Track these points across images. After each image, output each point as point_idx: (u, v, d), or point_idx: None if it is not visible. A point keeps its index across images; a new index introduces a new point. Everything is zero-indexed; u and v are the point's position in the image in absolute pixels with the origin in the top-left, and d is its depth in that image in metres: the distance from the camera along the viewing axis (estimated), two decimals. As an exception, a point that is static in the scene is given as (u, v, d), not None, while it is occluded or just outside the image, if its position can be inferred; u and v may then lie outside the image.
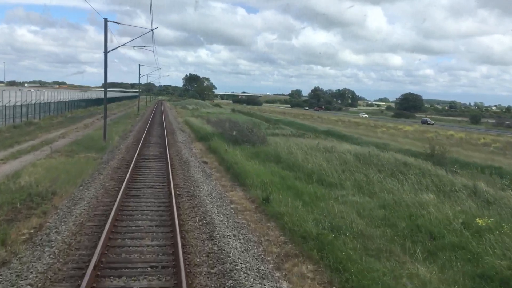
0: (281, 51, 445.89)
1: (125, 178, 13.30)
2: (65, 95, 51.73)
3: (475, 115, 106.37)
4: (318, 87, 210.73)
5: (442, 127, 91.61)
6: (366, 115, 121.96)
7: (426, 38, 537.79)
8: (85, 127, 34.53)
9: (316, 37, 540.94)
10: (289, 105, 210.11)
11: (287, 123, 76.27)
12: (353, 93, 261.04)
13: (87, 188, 12.42)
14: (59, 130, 30.74)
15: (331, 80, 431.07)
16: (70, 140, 24.33)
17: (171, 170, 14.96)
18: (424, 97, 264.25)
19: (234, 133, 24.95)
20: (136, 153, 18.91)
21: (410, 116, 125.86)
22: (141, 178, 14.29)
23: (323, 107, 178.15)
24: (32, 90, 46.61)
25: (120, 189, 11.84)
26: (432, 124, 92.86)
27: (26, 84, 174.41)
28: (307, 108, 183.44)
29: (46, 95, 42.26)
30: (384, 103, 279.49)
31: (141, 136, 27.71)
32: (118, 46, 32.73)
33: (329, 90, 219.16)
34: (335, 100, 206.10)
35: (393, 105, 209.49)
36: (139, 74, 55.54)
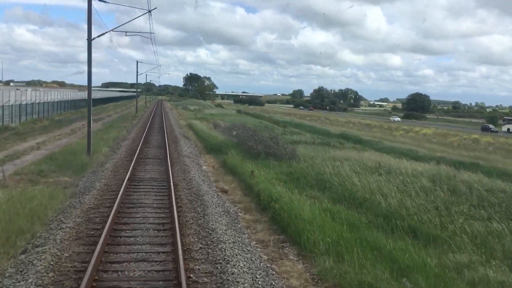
0: (280, 51, 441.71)
1: (100, 238, 7.80)
2: (54, 95, 46.22)
3: (492, 116, 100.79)
4: (322, 87, 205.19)
5: (460, 129, 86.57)
6: (398, 118, 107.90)
7: (425, 38, 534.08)
8: (71, 134, 29.11)
9: (315, 37, 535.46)
10: (291, 105, 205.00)
11: (295, 126, 70.89)
12: (355, 93, 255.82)
13: (24, 268, 6.84)
14: (38, 138, 25.31)
15: (330, 80, 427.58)
16: (45, 154, 18.90)
17: (178, 217, 9.39)
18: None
19: (258, 146, 19.51)
20: (127, 177, 13.47)
21: (420, 117, 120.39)
22: (128, 239, 8.36)
23: (312, 108, 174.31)
24: (18, 89, 41.35)
25: (83, 277, 6.32)
26: (496, 132, 73.84)
27: (11, 84, 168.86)
28: (302, 107, 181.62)
29: (29, 95, 36.80)
30: (385, 103, 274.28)
31: (136, 146, 22.34)
32: (105, 32, 26.48)
33: (332, 90, 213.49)
34: (339, 100, 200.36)
35: (398, 105, 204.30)
36: (137, 72, 49.87)
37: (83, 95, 71.89)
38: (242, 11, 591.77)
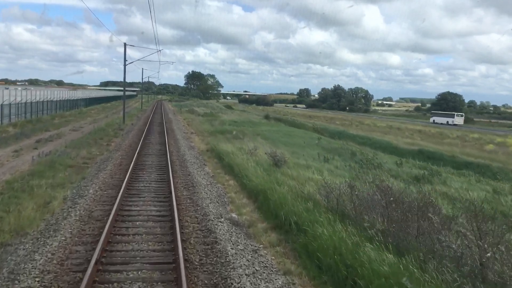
0: (279, 50, 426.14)
1: None
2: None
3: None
4: (339, 85, 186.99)
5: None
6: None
7: (424, 37, 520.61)
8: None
9: (313, 36, 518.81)
10: (303, 106, 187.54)
11: (337, 134, 53.05)
12: (366, 92, 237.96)
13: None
14: None
15: (330, 79, 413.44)
16: None
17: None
18: (424, 97, 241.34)
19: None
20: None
21: (467, 120, 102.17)
22: None
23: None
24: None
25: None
26: None
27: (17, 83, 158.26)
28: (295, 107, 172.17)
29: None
30: (392, 102, 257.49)
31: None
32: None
33: (348, 89, 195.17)
34: (357, 100, 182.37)
35: (410, 104, 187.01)
36: (125, 58, 31.85)
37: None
38: (239, 10, 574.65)
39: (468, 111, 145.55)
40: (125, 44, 34.18)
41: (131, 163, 15.67)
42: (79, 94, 61.22)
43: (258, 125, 40.91)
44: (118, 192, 11.10)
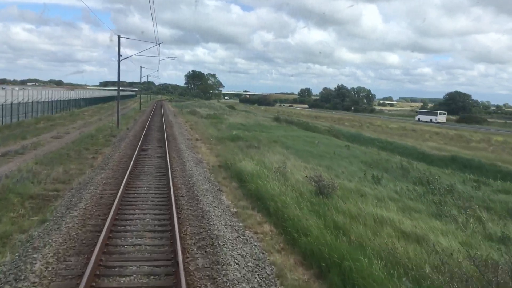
0: (278, 49, 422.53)
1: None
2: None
3: None
4: (342, 85, 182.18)
5: None
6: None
7: (422, 37, 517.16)
8: None
9: (312, 36, 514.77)
10: (305, 106, 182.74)
11: (352, 138, 48.35)
12: (368, 91, 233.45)
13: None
14: None
15: (329, 78, 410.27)
16: None
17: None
18: (424, 96, 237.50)
19: None
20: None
21: (480, 120, 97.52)
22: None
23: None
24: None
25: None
26: None
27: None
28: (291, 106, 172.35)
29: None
30: (393, 102, 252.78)
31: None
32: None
33: (352, 88, 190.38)
34: (362, 100, 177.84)
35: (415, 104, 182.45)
36: (119, 46, 27.08)
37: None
38: (237, 9, 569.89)
39: (476, 112, 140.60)
40: (118, 37, 29.42)
41: (117, 193, 10.99)
42: (72, 95, 56.48)
43: (270, 129, 36.19)
44: (85, 269, 6.39)
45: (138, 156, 18.06)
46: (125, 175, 13.30)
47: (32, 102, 35.64)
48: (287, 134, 31.98)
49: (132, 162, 15.82)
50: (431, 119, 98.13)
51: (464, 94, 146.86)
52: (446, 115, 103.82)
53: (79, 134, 25.45)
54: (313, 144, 26.11)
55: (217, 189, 12.95)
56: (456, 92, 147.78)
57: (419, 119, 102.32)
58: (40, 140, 22.35)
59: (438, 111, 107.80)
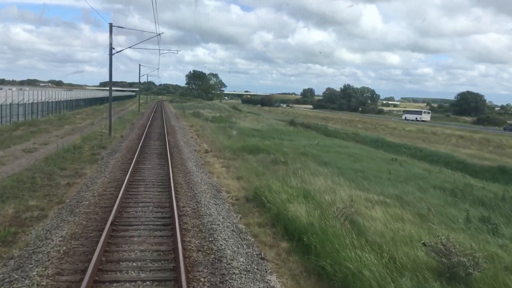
0: (278, 49, 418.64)
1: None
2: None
3: None
4: (349, 85, 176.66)
5: None
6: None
7: (423, 36, 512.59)
8: None
9: (312, 36, 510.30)
10: (310, 106, 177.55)
11: (373, 143, 43.17)
12: (372, 91, 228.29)
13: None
14: None
15: (329, 79, 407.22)
16: None
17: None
18: (424, 96, 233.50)
19: None
20: None
21: (499, 122, 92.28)
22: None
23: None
24: None
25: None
26: None
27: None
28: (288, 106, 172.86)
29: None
30: (397, 102, 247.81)
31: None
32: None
33: (358, 88, 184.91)
34: (367, 100, 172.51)
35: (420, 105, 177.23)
36: (111, 40, 21.75)
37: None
38: (237, 9, 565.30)
39: (489, 112, 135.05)
40: (110, 25, 24.15)
41: (83, 279, 5.85)
42: (64, 95, 51.29)
43: (288, 136, 30.96)
44: None
45: (131, 182, 12.91)
46: (104, 228, 8.14)
47: (11, 104, 30.48)
48: (311, 142, 26.74)
49: (119, 197, 10.64)
50: (416, 118, 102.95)
51: (477, 95, 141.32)
52: (430, 114, 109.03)
53: (61, 145, 20.23)
54: (352, 158, 20.87)
55: (257, 256, 7.76)
56: (468, 92, 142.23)
57: (405, 117, 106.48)
58: (5, 156, 17.18)
59: (423, 110, 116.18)
